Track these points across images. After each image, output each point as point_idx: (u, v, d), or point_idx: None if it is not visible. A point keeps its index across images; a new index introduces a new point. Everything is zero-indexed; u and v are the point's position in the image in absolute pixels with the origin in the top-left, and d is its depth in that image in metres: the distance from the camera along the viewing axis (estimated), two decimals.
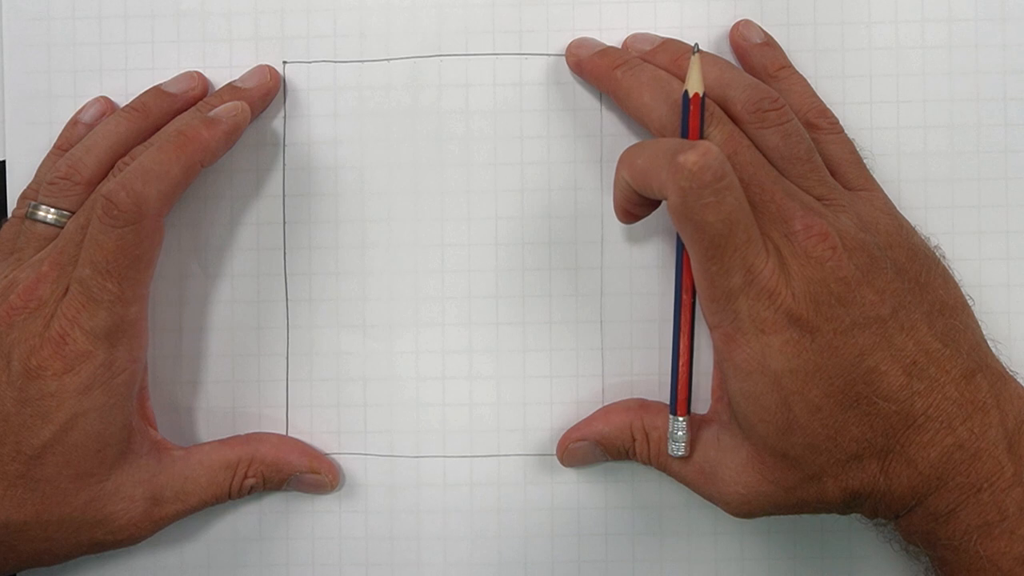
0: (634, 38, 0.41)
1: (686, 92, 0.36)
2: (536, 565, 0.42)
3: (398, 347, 0.42)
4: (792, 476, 0.36)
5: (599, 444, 0.40)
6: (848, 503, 0.36)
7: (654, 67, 0.39)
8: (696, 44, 0.37)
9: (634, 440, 0.40)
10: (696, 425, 0.39)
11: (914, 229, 0.38)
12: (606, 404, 0.41)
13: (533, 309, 0.42)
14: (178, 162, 0.37)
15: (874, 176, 0.40)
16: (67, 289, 0.37)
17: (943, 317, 0.36)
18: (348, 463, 0.42)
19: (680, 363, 0.38)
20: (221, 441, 0.41)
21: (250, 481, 0.40)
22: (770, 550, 0.41)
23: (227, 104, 0.39)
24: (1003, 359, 0.41)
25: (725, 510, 0.38)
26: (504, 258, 0.42)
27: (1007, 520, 0.34)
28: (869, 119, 0.41)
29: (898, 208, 0.39)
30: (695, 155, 0.33)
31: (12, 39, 0.42)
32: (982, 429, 0.35)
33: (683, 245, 0.37)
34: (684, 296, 0.37)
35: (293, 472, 0.40)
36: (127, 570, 0.42)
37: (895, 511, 0.36)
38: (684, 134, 0.36)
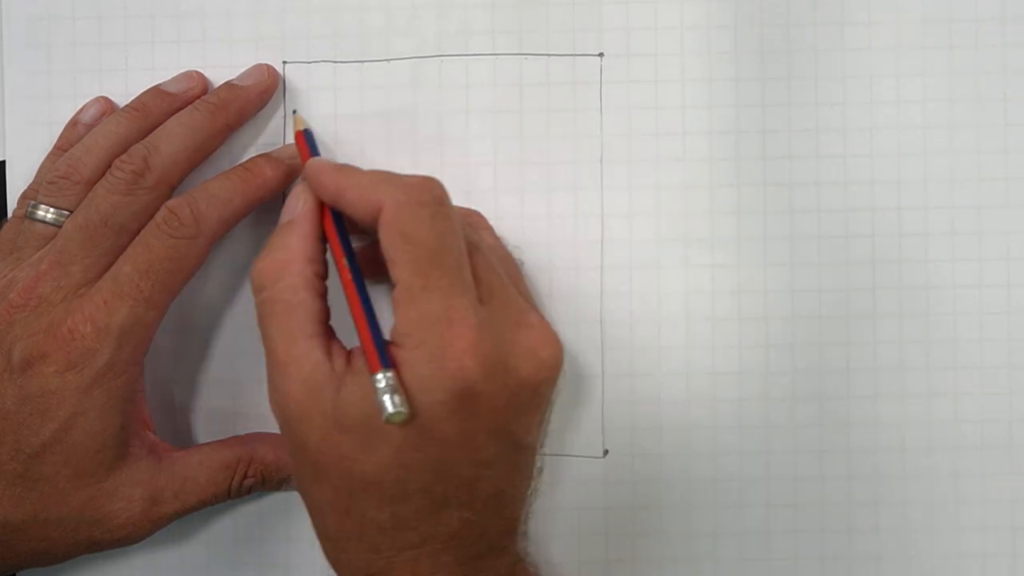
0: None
1: (300, 131, 0.39)
2: (535, 565, 0.42)
3: None
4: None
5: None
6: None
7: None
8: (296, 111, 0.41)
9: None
10: None
11: None
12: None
13: None
14: (241, 194, 0.39)
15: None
16: (76, 289, 0.37)
17: None
18: None
19: (358, 325, 0.34)
20: (220, 441, 0.41)
21: (249, 481, 0.40)
22: (770, 550, 0.41)
23: (289, 146, 0.41)
24: (1003, 359, 0.41)
25: None
26: None
27: None
28: (869, 119, 0.41)
29: (898, 208, 0.40)
30: (420, 177, 0.34)
31: (12, 39, 0.42)
32: (487, 572, 0.35)
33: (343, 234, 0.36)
34: (341, 266, 0.35)
35: (292, 472, 0.40)
36: (126, 570, 0.42)
37: None
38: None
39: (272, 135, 0.42)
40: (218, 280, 0.42)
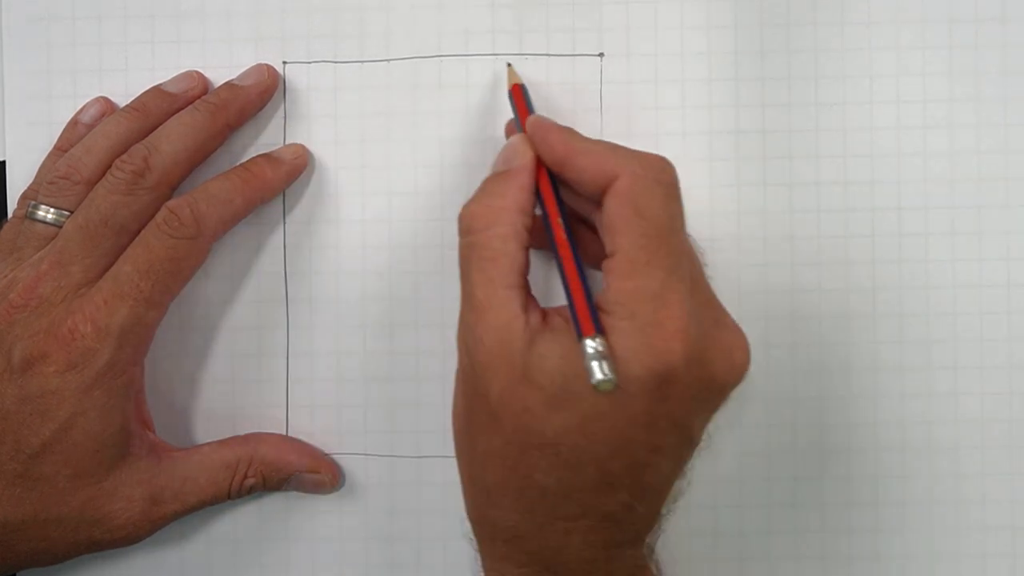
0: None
1: (512, 86, 0.37)
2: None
3: (398, 347, 0.42)
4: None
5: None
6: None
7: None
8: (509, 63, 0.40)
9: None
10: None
11: None
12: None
13: None
14: (242, 194, 0.39)
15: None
16: (77, 289, 0.37)
17: None
18: (348, 463, 0.42)
19: (572, 286, 0.34)
20: (221, 441, 0.41)
21: (250, 481, 0.40)
22: (770, 550, 0.41)
23: (289, 145, 0.41)
24: (1003, 359, 0.41)
25: None
26: None
27: None
28: (869, 119, 0.41)
29: (898, 208, 0.39)
30: (657, 156, 0.33)
31: (12, 39, 0.42)
32: (620, 561, 0.35)
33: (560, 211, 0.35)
34: (556, 223, 0.35)
35: (293, 472, 0.40)
36: (127, 570, 0.42)
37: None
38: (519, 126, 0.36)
39: (272, 135, 0.42)
40: (218, 280, 0.42)
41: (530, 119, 0.36)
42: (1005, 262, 0.41)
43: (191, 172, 0.40)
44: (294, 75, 0.42)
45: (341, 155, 0.42)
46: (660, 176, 0.33)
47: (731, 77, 0.41)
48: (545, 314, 0.34)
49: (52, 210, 0.38)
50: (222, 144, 0.41)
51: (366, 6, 0.42)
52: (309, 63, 0.42)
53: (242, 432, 0.41)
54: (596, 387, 0.31)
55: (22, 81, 0.42)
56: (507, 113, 0.42)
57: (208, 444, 0.41)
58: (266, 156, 0.41)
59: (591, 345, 0.32)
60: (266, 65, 0.41)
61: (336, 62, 0.42)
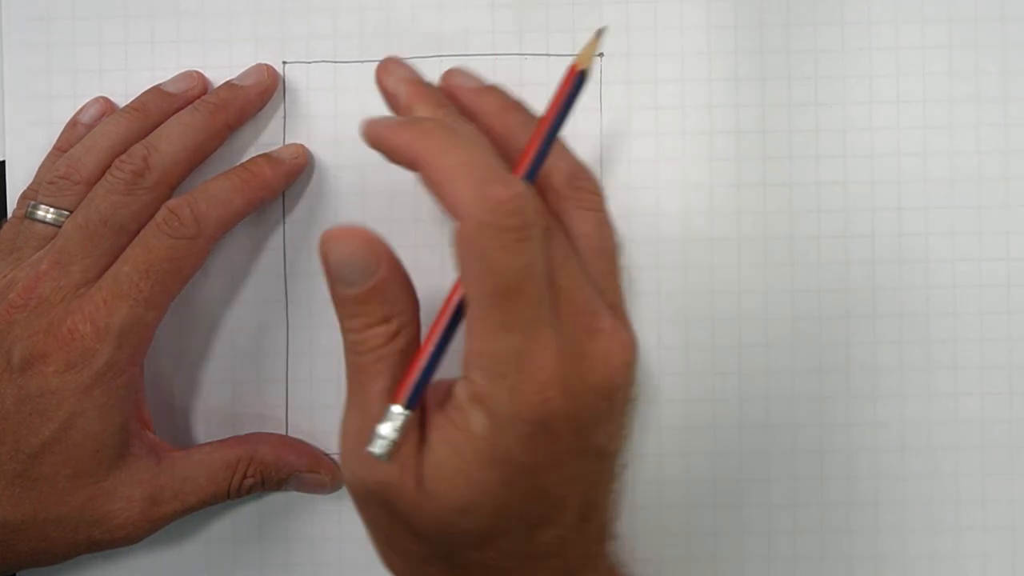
0: (455, 72, 0.37)
1: (578, 70, 0.33)
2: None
3: None
4: (433, 545, 0.33)
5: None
6: None
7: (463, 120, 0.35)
8: (602, 28, 0.34)
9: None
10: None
11: None
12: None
13: None
14: (241, 194, 0.39)
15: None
16: (76, 289, 0.37)
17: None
18: None
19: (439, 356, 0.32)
20: (220, 441, 0.41)
21: (249, 481, 0.40)
22: (770, 551, 0.41)
23: (289, 145, 0.41)
24: (1003, 359, 0.41)
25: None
26: None
27: None
28: (869, 119, 0.41)
29: (898, 208, 0.39)
30: (508, 191, 0.29)
31: (12, 39, 0.42)
32: None
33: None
34: (450, 299, 0.32)
35: (293, 472, 0.40)
36: (127, 570, 0.42)
37: None
38: (560, 115, 0.33)
39: (272, 135, 0.42)
40: (218, 280, 0.42)
41: (369, 124, 0.32)
42: (1005, 262, 0.41)
43: (191, 172, 0.40)
44: (294, 75, 0.42)
45: (341, 155, 0.42)
46: (507, 221, 0.29)
47: (731, 77, 0.41)
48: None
49: (52, 210, 0.38)
50: (222, 144, 0.41)
51: (366, 6, 0.42)
52: (309, 63, 0.42)
53: (242, 432, 0.41)
54: (370, 454, 0.31)
55: (22, 81, 0.42)
56: None
57: (208, 444, 0.40)
58: (266, 156, 0.41)
59: (395, 415, 0.31)
60: (266, 65, 0.41)
61: (336, 62, 0.42)
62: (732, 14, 0.41)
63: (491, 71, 0.42)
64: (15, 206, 0.40)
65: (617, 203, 0.41)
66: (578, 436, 0.31)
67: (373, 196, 0.42)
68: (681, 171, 0.41)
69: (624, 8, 0.42)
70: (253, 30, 0.42)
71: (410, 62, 0.42)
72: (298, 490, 0.41)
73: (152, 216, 0.38)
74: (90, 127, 0.41)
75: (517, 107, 0.36)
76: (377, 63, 0.38)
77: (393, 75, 0.36)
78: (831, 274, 0.41)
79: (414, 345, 0.32)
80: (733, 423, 0.41)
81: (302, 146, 0.41)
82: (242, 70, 0.41)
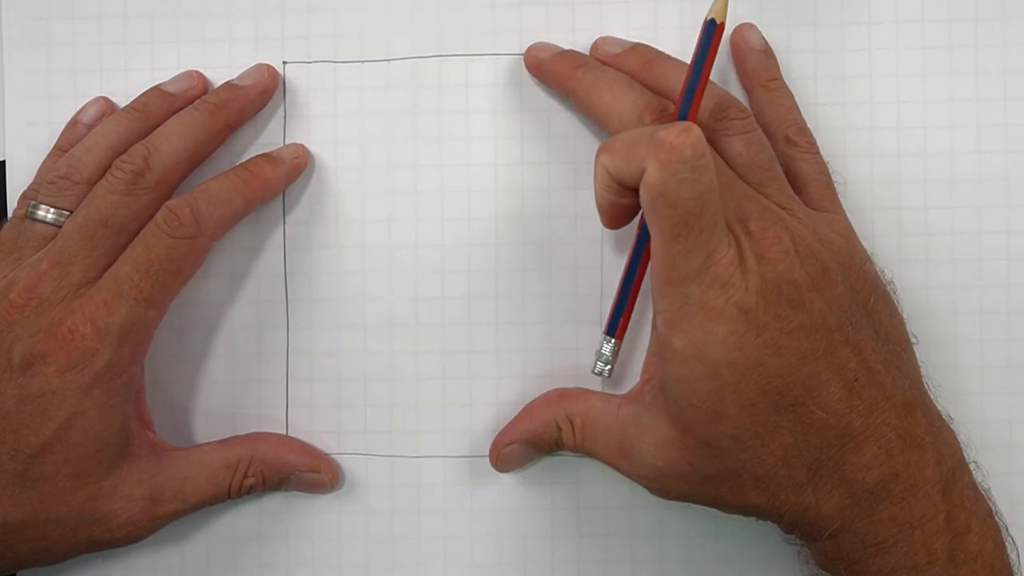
0: (603, 40, 0.41)
1: (708, 19, 0.36)
2: (536, 565, 0.42)
3: (398, 347, 0.42)
4: (712, 465, 0.35)
5: (529, 443, 0.40)
6: (767, 509, 0.35)
7: (616, 70, 0.40)
8: None
9: (559, 430, 0.40)
10: (617, 405, 0.39)
11: (870, 258, 0.38)
12: (528, 402, 0.41)
13: (533, 309, 0.42)
14: (241, 194, 0.39)
15: (841, 201, 0.40)
16: (77, 288, 0.37)
17: (887, 344, 0.36)
18: (348, 463, 0.42)
19: (632, 288, 0.38)
20: (221, 441, 0.41)
21: (250, 481, 0.40)
22: (769, 551, 0.41)
23: (289, 145, 0.41)
24: (1003, 359, 0.41)
25: (643, 485, 0.38)
26: (504, 258, 0.42)
27: (935, 566, 0.34)
28: (869, 119, 0.41)
29: (898, 208, 0.39)
30: (676, 131, 0.33)
31: (12, 39, 0.42)
32: (919, 466, 0.34)
33: (646, 232, 0.37)
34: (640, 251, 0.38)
35: (293, 471, 0.40)
36: (127, 570, 0.42)
37: (817, 531, 0.35)
38: (697, 62, 0.36)
39: (272, 135, 0.42)
40: (218, 280, 0.42)
41: (551, 56, 0.41)
42: (1005, 262, 0.41)
43: (191, 172, 0.40)
44: (294, 75, 0.42)
45: (341, 155, 0.42)
46: (683, 155, 0.33)
47: (731, 78, 0.41)
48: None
49: (52, 210, 0.38)
50: (222, 144, 0.41)
51: (366, 6, 0.42)
52: (309, 63, 0.42)
53: (242, 432, 0.41)
54: (594, 373, 0.39)
55: (22, 81, 0.42)
56: (505, 111, 0.42)
57: (208, 444, 0.41)
58: (266, 156, 0.41)
59: (605, 343, 0.39)
60: (266, 65, 0.41)
61: (336, 62, 0.42)
62: (732, 14, 0.41)
63: (491, 71, 0.42)
64: (15, 206, 0.40)
65: None
66: (783, 320, 0.34)
67: (373, 196, 0.42)
68: None
69: (624, 8, 0.42)
70: (253, 30, 0.42)
71: (411, 61, 0.42)
72: (298, 490, 0.41)
73: (152, 216, 0.38)
74: (90, 127, 0.41)
75: (661, 59, 0.40)
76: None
77: (543, 51, 0.41)
78: None
79: None
80: None
81: (302, 146, 0.41)
82: (242, 70, 0.41)
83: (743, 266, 0.34)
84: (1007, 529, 0.36)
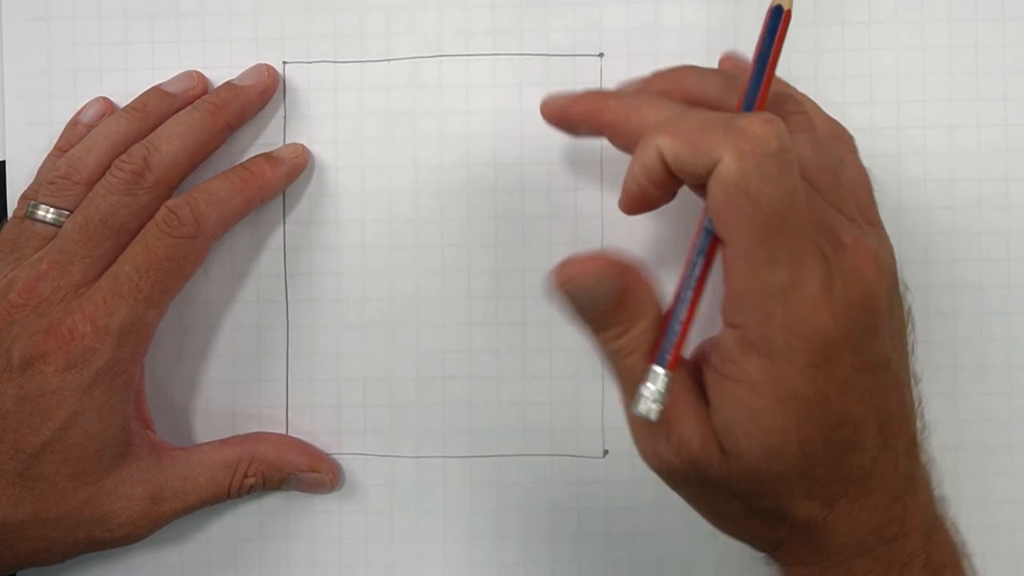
0: (621, 84, 0.38)
1: (774, 6, 0.33)
2: (536, 565, 0.42)
3: (398, 347, 0.42)
4: (752, 499, 0.33)
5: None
6: (787, 537, 0.34)
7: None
8: None
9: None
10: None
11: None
12: None
13: (533, 309, 0.42)
14: (241, 193, 0.39)
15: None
16: (76, 288, 0.37)
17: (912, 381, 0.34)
18: (348, 463, 0.42)
19: (691, 305, 0.32)
20: (221, 441, 0.41)
21: (250, 480, 0.40)
22: None
23: (289, 145, 0.41)
24: (1003, 359, 0.41)
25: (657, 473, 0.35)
26: (504, 258, 0.42)
27: None
28: (869, 119, 0.41)
29: (898, 208, 0.39)
30: (761, 120, 0.29)
31: (12, 39, 0.42)
32: (915, 509, 0.33)
33: (709, 233, 0.32)
34: (688, 258, 0.32)
35: (293, 471, 0.40)
36: (127, 570, 0.42)
37: (809, 560, 0.34)
38: (763, 51, 0.33)
39: (272, 135, 0.42)
40: (218, 280, 0.42)
41: (574, 97, 0.35)
42: (1005, 262, 0.41)
43: (191, 172, 0.40)
44: (294, 75, 0.42)
45: (341, 155, 0.42)
46: (768, 147, 0.29)
47: None
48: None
49: (52, 210, 0.38)
50: (222, 144, 0.41)
51: (366, 6, 0.42)
52: (309, 63, 0.42)
53: (242, 432, 0.42)
54: (636, 414, 0.32)
55: (22, 81, 0.42)
56: (505, 111, 0.42)
57: (208, 443, 0.41)
58: (266, 156, 0.41)
59: (655, 374, 0.31)
60: (266, 65, 0.41)
61: (336, 62, 0.42)
62: (732, 14, 0.41)
63: (491, 71, 0.42)
64: (15, 206, 0.40)
65: (617, 203, 0.41)
66: (856, 354, 0.31)
67: (373, 196, 0.42)
68: None
69: (624, 8, 0.42)
70: (253, 30, 0.42)
71: (411, 62, 0.42)
72: (298, 490, 0.41)
73: (152, 216, 0.38)
74: (90, 127, 0.41)
75: (691, 71, 0.36)
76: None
77: (561, 97, 0.37)
78: None
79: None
80: None
81: (302, 146, 0.41)
82: (242, 70, 0.41)
83: (832, 286, 0.30)
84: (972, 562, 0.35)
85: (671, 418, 0.32)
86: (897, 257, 0.34)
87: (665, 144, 0.31)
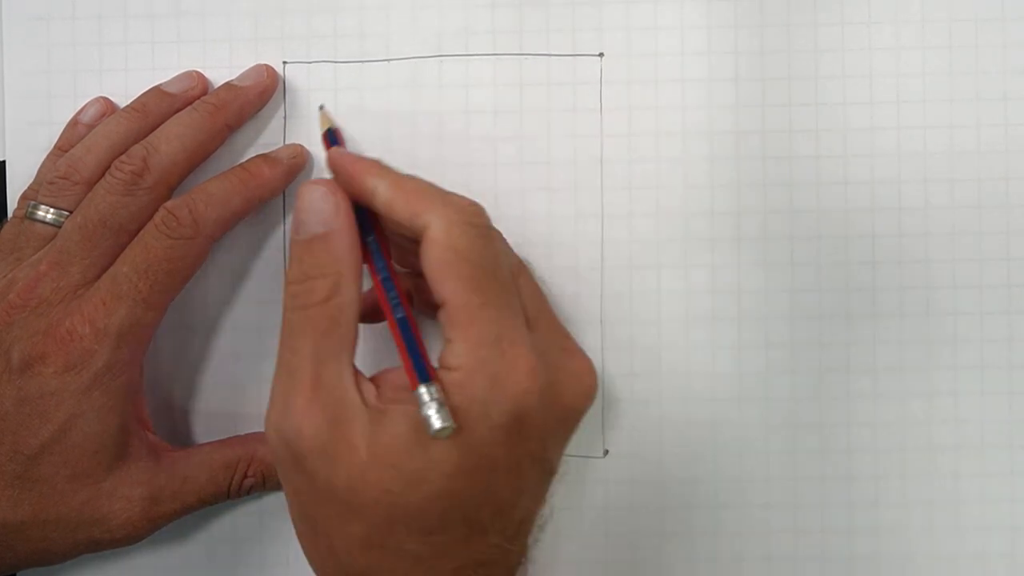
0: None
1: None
2: (535, 565, 0.42)
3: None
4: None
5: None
6: None
7: None
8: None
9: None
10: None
11: None
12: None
13: None
14: (240, 194, 0.39)
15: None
16: (75, 289, 0.37)
17: None
18: None
19: (396, 340, 0.33)
20: (220, 441, 0.41)
21: (249, 481, 0.40)
22: (770, 551, 0.41)
23: (288, 146, 0.41)
24: (1003, 359, 0.41)
25: None
26: None
27: None
28: (869, 119, 0.41)
29: (898, 208, 0.40)
30: (468, 200, 0.33)
31: (12, 39, 0.42)
32: None
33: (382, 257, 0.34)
34: (375, 282, 0.34)
35: None
36: (127, 570, 0.42)
37: None
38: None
39: (272, 135, 0.42)
40: (218, 280, 0.42)
41: (331, 152, 0.35)
42: (1005, 262, 0.41)
43: (190, 173, 0.40)
44: (294, 75, 0.42)
45: None
46: (473, 219, 0.33)
47: (731, 77, 0.41)
48: (378, 385, 0.33)
49: (52, 210, 0.38)
50: (222, 144, 0.41)
51: (366, 6, 0.42)
52: (309, 63, 0.42)
53: (242, 432, 0.41)
54: (435, 435, 0.30)
55: (22, 81, 0.42)
56: (505, 111, 0.42)
57: (207, 444, 0.41)
58: (264, 156, 0.41)
59: (424, 393, 0.31)
60: (265, 65, 0.41)
61: (336, 62, 0.42)
62: (732, 14, 0.41)
63: (491, 71, 0.42)
64: (15, 206, 0.40)
65: (617, 203, 0.41)
66: (541, 446, 0.33)
67: None
68: (681, 171, 0.41)
69: (624, 8, 0.42)
70: (253, 30, 0.42)
71: (411, 62, 0.42)
72: None
73: (151, 217, 0.38)
74: (90, 127, 0.41)
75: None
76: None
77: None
78: (831, 274, 0.41)
79: (348, 314, 0.33)
80: (733, 423, 0.41)
81: (301, 146, 0.41)
82: (242, 70, 0.41)
83: (546, 366, 0.33)
84: None
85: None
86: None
87: (387, 191, 0.33)
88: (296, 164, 0.41)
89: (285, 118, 0.42)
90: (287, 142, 0.42)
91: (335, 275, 0.33)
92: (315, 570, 0.34)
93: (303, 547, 0.34)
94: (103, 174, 0.39)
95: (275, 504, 0.42)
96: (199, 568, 0.42)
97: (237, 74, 0.41)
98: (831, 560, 0.41)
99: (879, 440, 0.41)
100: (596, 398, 0.35)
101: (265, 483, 0.40)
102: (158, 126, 0.40)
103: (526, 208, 0.42)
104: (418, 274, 0.34)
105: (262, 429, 0.42)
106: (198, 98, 0.41)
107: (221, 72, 0.42)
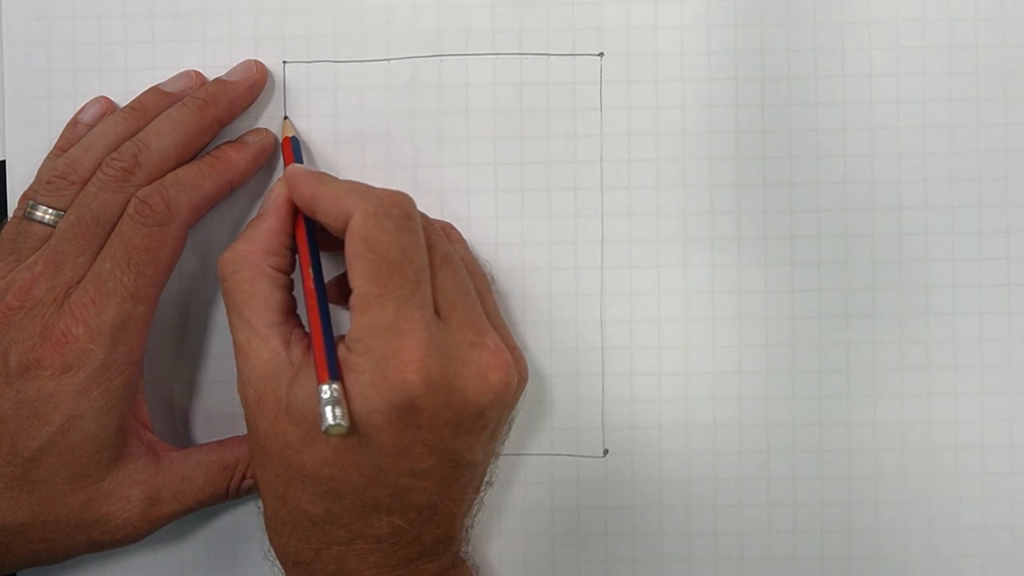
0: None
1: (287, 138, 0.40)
2: (536, 565, 0.42)
3: None
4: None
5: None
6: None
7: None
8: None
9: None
10: None
11: None
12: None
13: (533, 309, 0.42)
14: (210, 178, 0.39)
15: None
16: (68, 289, 0.37)
17: None
18: None
19: (312, 332, 0.36)
20: (219, 442, 0.41)
21: (248, 482, 0.40)
22: (770, 550, 0.41)
23: (254, 130, 0.42)
24: (1003, 359, 0.41)
25: None
26: (504, 258, 0.42)
27: None
28: (869, 119, 0.41)
29: (898, 208, 0.39)
30: (391, 192, 0.35)
31: (12, 39, 0.42)
32: None
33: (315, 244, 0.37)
34: (306, 274, 0.37)
35: None
36: (127, 570, 0.42)
37: None
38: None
39: (272, 136, 0.42)
40: (216, 280, 0.42)
41: (287, 168, 0.38)
42: (1005, 262, 0.41)
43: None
44: (294, 75, 0.42)
45: (341, 155, 0.42)
46: (391, 210, 0.34)
47: (731, 77, 0.41)
48: (309, 348, 0.36)
49: (50, 210, 0.38)
50: (211, 140, 0.41)
51: (366, 6, 0.42)
52: (309, 63, 0.42)
53: (241, 432, 0.41)
54: (326, 432, 0.33)
55: (22, 81, 0.42)
56: (506, 111, 0.42)
57: (206, 444, 0.40)
58: (230, 142, 0.41)
59: (324, 391, 0.33)
60: (254, 60, 0.41)
61: (336, 62, 0.42)
62: (732, 14, 0.41)
63: (491, 71, 0.42)
64: (15, 206, 0.40)
65: (617, 203, 0.41)
66: (435, 435, 0.34)
67: None
68: (681, 171, 0.41)
69: (624, 8, 0.42)
70: (253, 30, 0.42)
71: (411, 61, 0.42)
72: None
73: None
74: (91, 127, 0.40)
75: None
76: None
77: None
78: (831, 274, 0.41)
79: (259, 286, 0.36)
80: (733, 423, 0.41)
81: (267, 130, 0.41)
82: None
83: (439, 359, 0.34)
84: None
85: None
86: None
87: (319, 191, 0.36)
88: (262, 146, 0.41)
89: (285, 118, 0.42)
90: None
91: (248, 252, 0.37)
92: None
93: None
94: None
95: None
96: (199, 568, 0.42)
97: None
98: (831, 560, 0.41)
99: (879, 440, 0.41)
100: (512, 396, 0.36)
101: None
102: None
103: (526, 208, 0.42)
104: None
105: None
106: None
107: (221, 72, 0.41)
